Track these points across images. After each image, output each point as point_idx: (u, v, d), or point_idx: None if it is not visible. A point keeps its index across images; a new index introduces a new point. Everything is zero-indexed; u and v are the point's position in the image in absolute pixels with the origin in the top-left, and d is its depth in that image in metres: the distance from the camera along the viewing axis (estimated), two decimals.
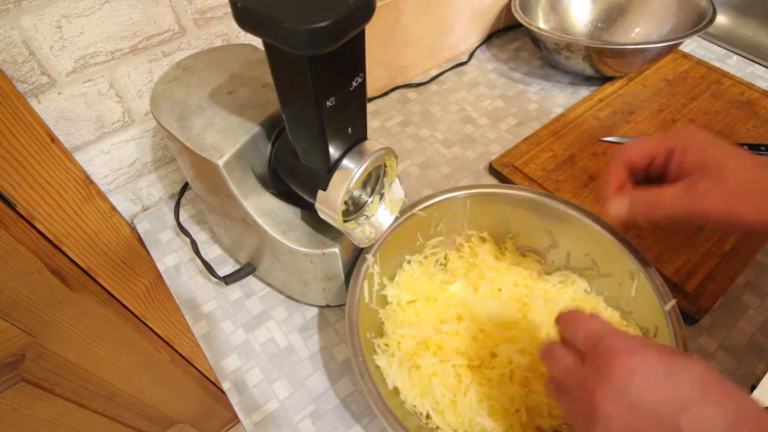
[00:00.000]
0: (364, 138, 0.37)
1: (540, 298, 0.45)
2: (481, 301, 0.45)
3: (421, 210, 0.46)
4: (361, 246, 0.41)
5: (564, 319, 0.31)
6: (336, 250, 0.42)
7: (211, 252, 0.56)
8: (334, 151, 0.35)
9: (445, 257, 0.50)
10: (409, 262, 0.48)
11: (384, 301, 0.46)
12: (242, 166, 0.40)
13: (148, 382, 0.84)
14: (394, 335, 0.43)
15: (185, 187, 0.62)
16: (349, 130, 0.35)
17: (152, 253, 0.57)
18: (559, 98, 0.72)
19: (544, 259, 0.49)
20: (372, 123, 0.70)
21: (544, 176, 0.59)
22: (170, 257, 0.56)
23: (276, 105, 0.40)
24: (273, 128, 0.41)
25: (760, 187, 0.30)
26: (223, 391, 0.52)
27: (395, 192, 0.43)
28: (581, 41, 0.64)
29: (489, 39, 0.83)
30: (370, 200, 0.42)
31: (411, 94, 0.74)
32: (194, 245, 0.54)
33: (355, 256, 0.44)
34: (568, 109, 0.68)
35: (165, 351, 0.82)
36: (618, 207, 0.34)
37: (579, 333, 0.29)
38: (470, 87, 0.75)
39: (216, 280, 0.52)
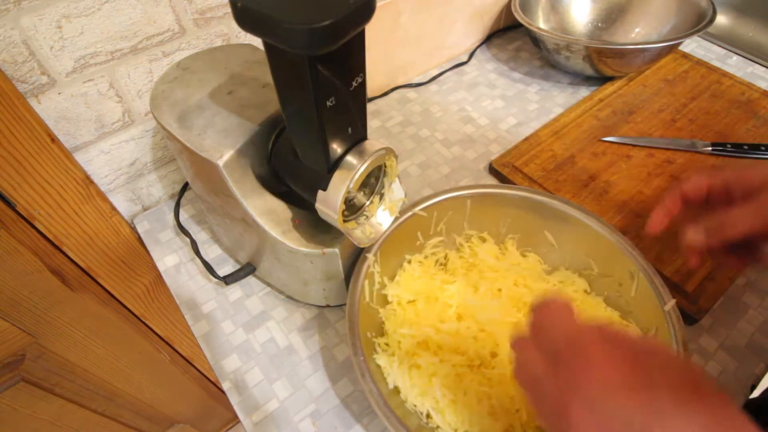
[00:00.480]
0: (364, 138, 0.37)
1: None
2: (481, 301, 0.45)
3: (421, 210, 0.46)
4: (361, 246, 0.41)
5: (539, 312, 0.29)
6: (336, 250, 0.42)
7: (211, 252, 0.56)
8: (334, 151, 0.35)
9: (445, 257, 0.50)
10: (409, 261, 0.48)
11: (384, 301, 0.46)
12: (242, 166, 0.40)
13: (148, 382, 0.84)
14: (394, 334, 0.43)
15: (185, 187, 0.62)
16: (349, 130, 0.35)
17: (152, 253, 0.57)
18: (559, 98, 0.72)
19: (544, 259, 0.49)
20: (372, 123, 0.70)
21: (544, 176, 0.59)
22: (170, 257, 0.56)
23: (276, 105, 0.40)
24: (273, 128, 0.41)
25: None
26: (223, 391, 0.52)
27: (395, 192, 0.43)
28: (581, 41, 0.64)
29: (489, 39, 0.83)
30: (369, 200, 0.42)
31: (411, 94, 0.74)
32: (194, 245, 0.54)
33: (355, 256, 0.44)
34: (568, 109, 0.68)
35: (165, 351, 0.82)
36: (695, 232, 0.34)
37: (554, 332, 0.28)
38: (470, 87, 0.75)
39: (216, 280, 0.52)
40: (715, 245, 0.33)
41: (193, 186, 0.49)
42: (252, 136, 0.39)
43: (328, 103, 0.31)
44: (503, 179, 0.61)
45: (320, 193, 0.36)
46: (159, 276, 0.64)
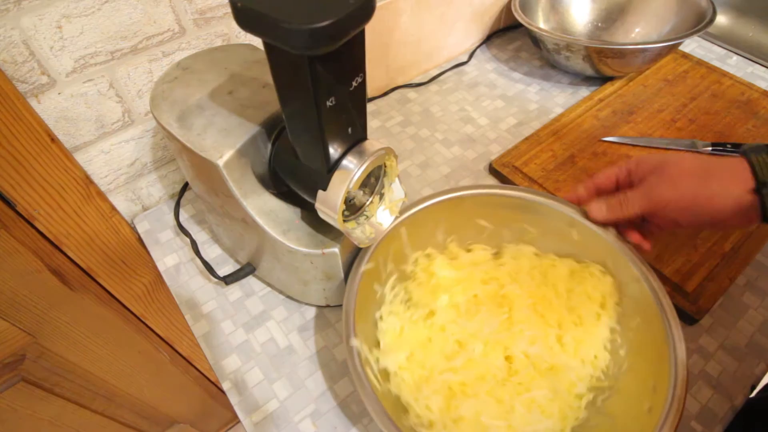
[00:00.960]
0: (364, 138, 0.37)
1: (510, 282, 0.45)
2: (468, 318, 0.45)
3: (366, 264, 0.42)
4: (361, 246, 0.41)
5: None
6: (336, 250, 0.42)
7: (211, 252, 0.56)
8: (334, 151, 0.35)
9: (406, 290, 0.47)
10: (381, 318, 0.45)
11: (387, 374, 0.42)
12: (242, 166, 0.40)
13: (148, 382, 0.84)
14: (417, 403, 0.40)
15: (185, 187, 0.62)
16: (349, 130, 0.35)
17: (152, 253, 0.57)
18: (559, 98, 0.72)
19: (486, 244, 0.49)
20: (372, 123, 0.70)
21: (544, 176, 0.59)
22: (170, 257, 0.56)
23: (276, 105, 0.40)
24: (273, 128, 0.41)
25: (696, 170, 0.35)
26: (223, 391, 0.52)
27: (395, 192, 0.43)
28: (581, 41, 0.64)
29: (489, 39, 0.83)
30: (369, 200, 0.42)
31: (411, 94, 0.74)
32: (194, 245, 0.54)
33: (355, 256, 0.44)
34: (568, 109, 0.68)
35: (165, 351, 0.82)
36: (598, 207, 0.41)
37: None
38: (470, 87, 0.75)
39: (216, 280, 0.52)
40: (617, 222, 0.40)
41: (193, 186, 0.49)
42: (252, 136, 0.39)
43: (328, 104, 0.31)
44: (503, 179, 0.61)
45: (320, 193, 0.36)
46: (159, 276, 0.64)
